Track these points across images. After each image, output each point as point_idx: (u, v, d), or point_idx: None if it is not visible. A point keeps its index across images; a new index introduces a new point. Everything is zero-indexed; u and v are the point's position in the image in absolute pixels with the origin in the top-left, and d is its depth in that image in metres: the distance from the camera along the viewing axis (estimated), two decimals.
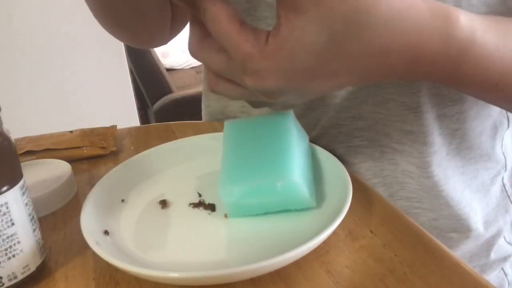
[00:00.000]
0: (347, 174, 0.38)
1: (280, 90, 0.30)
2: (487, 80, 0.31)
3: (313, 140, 0.49)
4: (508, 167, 0.52)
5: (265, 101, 0.33)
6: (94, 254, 0.32)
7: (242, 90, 0.33)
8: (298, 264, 0.32)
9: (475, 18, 0.30)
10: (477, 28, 0.29)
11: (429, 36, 0.28)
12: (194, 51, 0.33)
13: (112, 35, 0.54)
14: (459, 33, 0.29)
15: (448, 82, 0.32)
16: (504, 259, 0.54)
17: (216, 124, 0.60)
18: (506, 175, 0.52)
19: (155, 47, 0.61)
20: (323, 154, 0.43)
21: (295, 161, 0.36)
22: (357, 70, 0.29)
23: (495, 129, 0.49)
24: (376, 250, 0.33)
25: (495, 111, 0.48)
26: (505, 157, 0.51)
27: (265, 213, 0.38)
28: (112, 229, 0.37)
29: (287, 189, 0.35)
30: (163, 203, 0.41)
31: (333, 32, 0.27)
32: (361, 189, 0.41)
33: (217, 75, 0.34)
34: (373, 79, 0.31)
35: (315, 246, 0.31)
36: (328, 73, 0.29)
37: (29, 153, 0.54)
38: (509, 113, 0.50)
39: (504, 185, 0.53)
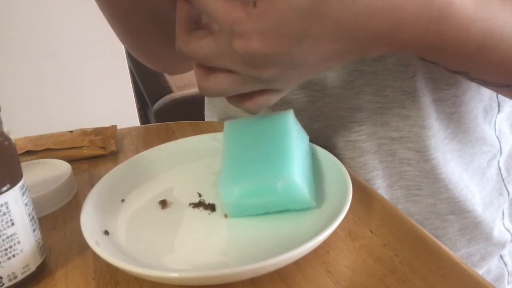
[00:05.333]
0: (347, 174, 0.38)
1: (267, 57, 0.31)
2: (471, 41, 0.32)
3: (316, 133, 0.50)
4: (504, 152, 0.53)
5: (258, 86, 0.34)
6: (94, 254, 0.32)
7: (232, 78, 0.33)
8: (298, 264, 0.32)
9: None
10: None
11: None
12: (181, 44, 0.34)
13: (142, 61, 0.59)
14: None
15: (435, 48, 0.33)
16: (503, 245, 0.55)
17: (216, 124, 0.60)
18: (501, 159, 0.54)
19: (178, 73, 0.65)
20: (323, 154, 0.43)
21: (295, 161, 0.36)
22: (342, 33, 0.30)
23: (485, 114, 0.50)
24: (376, 250, 0.33)
25: (486, 96, 0.49)
26: (499, 142, 0.52)
27: (265, 213, 0.38)
28: (112, 229, 0.37)
29: (287, 189, 0.35)
30: (163, 203, 0.41)
31: None
32: (361, 189, 0.41)
33: (206, 70, 0.34)
34: (360, 45, 0.31)
35: (315, 246, 0.31)
36: (314, 37, 0.30)
37: (29, 153, 0.54)
38: (499, 98, 0.51)
39: (499, 169, 0.54)
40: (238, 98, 0.36)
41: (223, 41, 0.31)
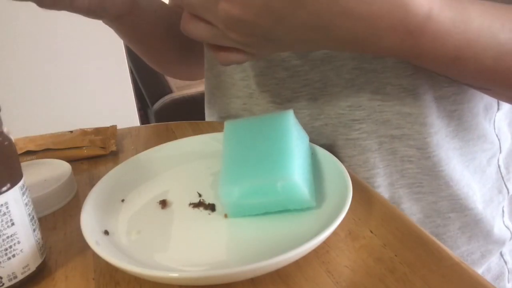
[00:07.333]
0: (347, 174, 0.38)
1: (246, 25, 0.32)
2: (446, 53, 0.34)
3: (317, 131, 0.50)
4: (503, 150, 0.54)
5: (233, 44, 0.35)
6: (94, 254, 0.32)
7: (211, 30, 0.35)
8: (298, 264, 0.32)
9: None
10: (434, 6, 0.32)
11: (390, 10, 0.31)
12: None
13: (165, 74, 0.70)
14: (416, 11, 0.31)
15: (410, 57, 0.35)
16: (503, 243, 0.55)
17: (216, 124, 0.60)
18: (501, 157, 0.54)
19: (199, 79, 0.73)
20: (323, 154, 0.43)
21: (295, 161, 0.36)
22: (320, 26, 0.32)
23: (486, 111, 0.50)
24: (376, 250, 0.33)
25: None
26: (499, 140, 0.53)
27: (265, 213, 0.38)
28: (112, 229, 0.37)
29: (287, 189, 0.35)
30: (163, 203, 0.41)
31: None
32: (361, 189, 0.41)
33: (191, 15, 0.36)
34: (335, 41, 0.33)
35: (315, 246, 0.31)
36: (293, 21, 0.32)
37: (29, 153, 0.54)
38: None
39: (499, 167, 0.54)
40: (214, 47, 0.38)
41: None
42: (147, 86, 2.18)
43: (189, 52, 0.64)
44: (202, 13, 0.34)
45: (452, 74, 0.38)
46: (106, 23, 0.54)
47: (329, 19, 0.31)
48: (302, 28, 0.32)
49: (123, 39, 0.60)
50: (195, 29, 0.36)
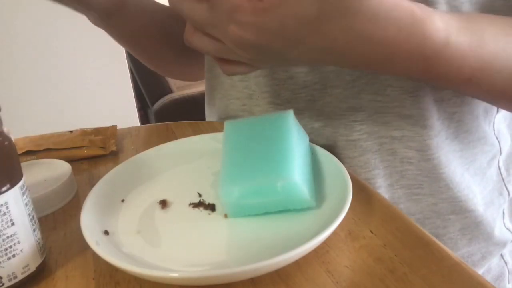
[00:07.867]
0: (347, 174, 0.38)
1: (259, 48, 0.32)
2: (460, 75, 0.34)
3: (317, 132, 0.50)
4: (503, 152, 0.54)
5: (239, 59, 0.35)
6: (94, 254, 0.32)
7: (217, 45, 0.34)
8: (298, 264, 0.32)
9: (451, 21, 0.33)
10: (451, 31, 0.32)
11: (407, 36, 0.31)
12: (175, 1, 0.34)
13: (162, 74, 0.70)
14: (434, 36, 0.31)
15: (423, 78, 0.35)
16: (504, 244, 0.55)
17: (216, 124, 0.60)
18: (501, 159, 0.54)
19: (199, 79, 0.73)
20: (323, 154, 0.43)
21: (295, 161, 0.36)
22: (335, 50, 0.31)
23: (486, 113, 0.50)
24: (376, 250, 0.33)
25: None
26: (499, 142, 0.53)
27: (265, 213, 0.38)
28: (112, 229, 0.37)
29: (287, 189, 0.35)
30: (163, 203, 0.41)
31: (323, 9, 0.29)
32: (361, 189, 0.41)
33: (196, 27, 0.35)
34: (350, 64, 0.33)
35: (315, 246, 0.31)
36: (308, 45, 0.31)
37: (29, 153, 0.54)
38: None
39: (499, 169, 0.54)
40: (218, 58, 0.37)
41: (219, 17, 0.32)
42: (147, 86, 2.18)
43: (189, 53, 0.64)
44: (208, 29, 0.34)
45: (464, 92, 0.38)
46: (97, 24, 0.54)
47: (344, 44, 0.31)
48: (316, 51, 0.32)
49: (118, 42, 0.59)
50: (200, 42, 0.36)
